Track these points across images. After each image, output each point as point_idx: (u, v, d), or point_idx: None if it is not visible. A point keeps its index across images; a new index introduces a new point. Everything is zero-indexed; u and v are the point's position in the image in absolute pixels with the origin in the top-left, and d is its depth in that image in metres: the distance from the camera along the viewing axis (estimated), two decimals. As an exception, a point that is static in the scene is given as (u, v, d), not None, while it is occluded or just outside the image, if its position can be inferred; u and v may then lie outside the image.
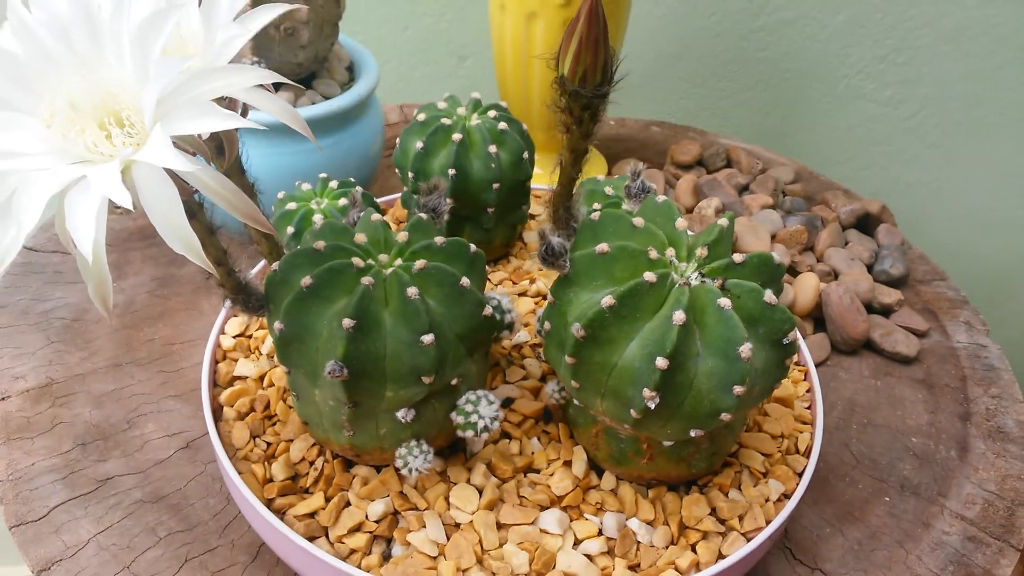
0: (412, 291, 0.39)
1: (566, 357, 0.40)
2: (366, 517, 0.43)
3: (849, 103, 1.10)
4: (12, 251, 0.28)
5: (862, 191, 1.10)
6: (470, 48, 1.02)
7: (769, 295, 0.38)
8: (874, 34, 1.04)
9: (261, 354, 0.52)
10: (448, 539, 0.42)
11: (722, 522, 0.44)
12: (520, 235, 0.62)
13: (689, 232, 0.42)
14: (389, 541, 0.43)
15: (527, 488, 0.45)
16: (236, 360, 0.52)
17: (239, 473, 0.44)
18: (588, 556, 0.42)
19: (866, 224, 0.77)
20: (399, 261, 0.41)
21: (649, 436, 0.42)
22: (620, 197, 0.53)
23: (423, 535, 0.42)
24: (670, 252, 0.40)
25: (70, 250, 0.30)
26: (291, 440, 0.47)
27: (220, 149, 0.38)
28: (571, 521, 0.43)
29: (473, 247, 0.43)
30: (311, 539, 0.42)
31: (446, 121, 0.54)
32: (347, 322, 0.38)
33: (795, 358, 0.55)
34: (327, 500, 0.44)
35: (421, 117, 0.56)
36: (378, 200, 0.60)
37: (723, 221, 0.42)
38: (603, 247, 0.40)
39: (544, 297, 0.57)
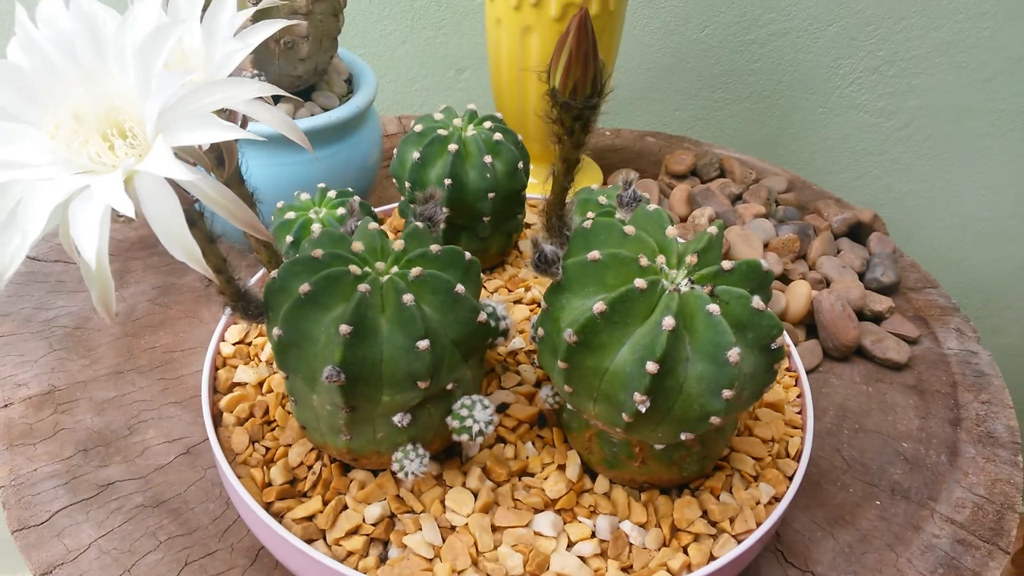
0: (408, 298, 0.40)
1: (559, 362, 0.41)
2: (363, 520, 0.44)
3: (842, 114, 1.11)
4: (17, 258, 0.29)
5: (856, 201, 1.12)
6: (467, 61, 1.03)
7: (757, 301, 0.39)
8: (866, 46, 1.05)
9: (260, 361, 0.53)
10: (444, 541, 0.43)
11: (713, 524, 0.45)
12: (516, 244, 0.63)
13: (680, 240, 0.43)
14: (386, 543, 0.44)
15: (521, 491, 0.45)
16: (236, 367, 0.53)
17: (238, 477, 0.45)
18: (581, 558, 0.43)
19: (858, 233, 0.78)
20: (395, 269, 0.42)
21: (641, 440, 0.43)
22: (613, 206, 0.54)
23: (419, 537, 0.43)
24: (661, 259, 0.41)
25: (74, 258, 0.31)
26: (289, 445, 0.48)
27: (220, 160, 0.39)
28: (565, 524, 0.44)
29: (468, 255, 0.44)
30: (309, 541, 0.42)
31: (442, 132, 0.55)
32: (344, 328, 0.38)
33: (786, 364, 0.56)
34: (325, 503, 0.45)
35: (418, 128, 0.57)
36: (376, 210, 0.61)
37: (712, 229, 0.43)
38: (595, 254, 0.41)
39: (539, 304, 0.58)
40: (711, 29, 1.04)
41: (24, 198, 0.29)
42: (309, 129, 0.61)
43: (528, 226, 0.66)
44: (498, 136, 0.56)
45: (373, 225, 0.44)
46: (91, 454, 0.53)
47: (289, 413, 0.49)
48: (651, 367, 0.37)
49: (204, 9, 0.35)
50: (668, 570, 0.42)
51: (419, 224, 0.45)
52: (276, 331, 0.40)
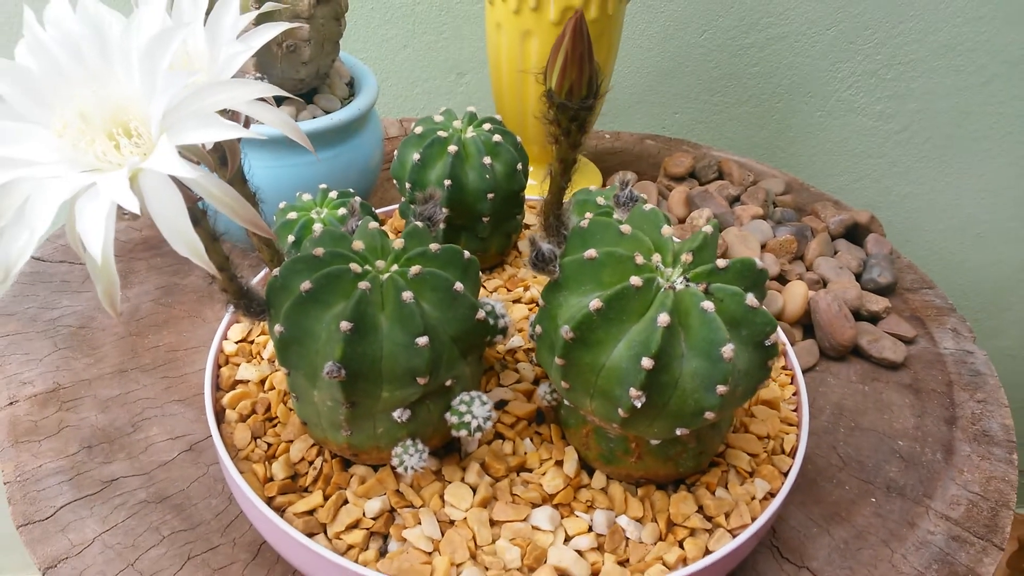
0: (407, 295, 0.40)
1: (556, 359, 0.41)
2: (363, 514, 0.44)
3: (841, 117, 1.12)
4: (25, 254, 0.29)
5: (856, 203, 1.12)
6: (468, 65, 1.04)
7: (751, 298, 0.40)
8: (864, 50, 1.06)
9: (262, 359, 0.54)
10: (443, 535, 0.43)
11: (709, 519, 0.46)
12: (515, 244, 0.64)
13: (675, 239, 0.43)
14: (385, 537, 0.44)
15: (520, 486, 0.46)
16: (238, 365, 0.53)
17: (240, 472, 0.45)
18: (578, 552, 0.43)
19: (855, 234, 0.79)
20: (395, 267, 0.43)
21: (637, 435, 0.44)
22: (611, 207, 0.55)
23: (418, 531, 0.43)
24: (656, 258, 0.42)
25: (79, 254, 0.32)
26: (291, 441, 0.48)
27: (223, 160, 0.40)
28: (562, 518, 0.45)
29: (467, 254, 0.44)
30: (310, 535, 0.43)
31: (442, 134, 0.56)
32: (345, 325, 0.39)
33: (782, 362, 0.57)
34: (326, 498, 0.45)
35: (418, 130, 0.58)
36: (377, 211, 0.62)
37: (707, 228, 0.43)
38: (591, 253, 0.41)
39: (537, 303, 0.59)
40: (710, 33, 1.04)
41: (31, 195, 0.29)
42: (311, 131, 0.62)
43: (527, 227, 0.67)
44: (497, 138, 0.57)
45: (373, 224, 0.45)
46: (95, 451, 0.54)
47: (291, 410, 0.50)
48: (646, 363, 0.38)
49: (208, 12, 0.36)
50: (664, 564, 0.43)
51: (419, 224, 0.46)
52: (278, 328, 0.41)
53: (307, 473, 0.47)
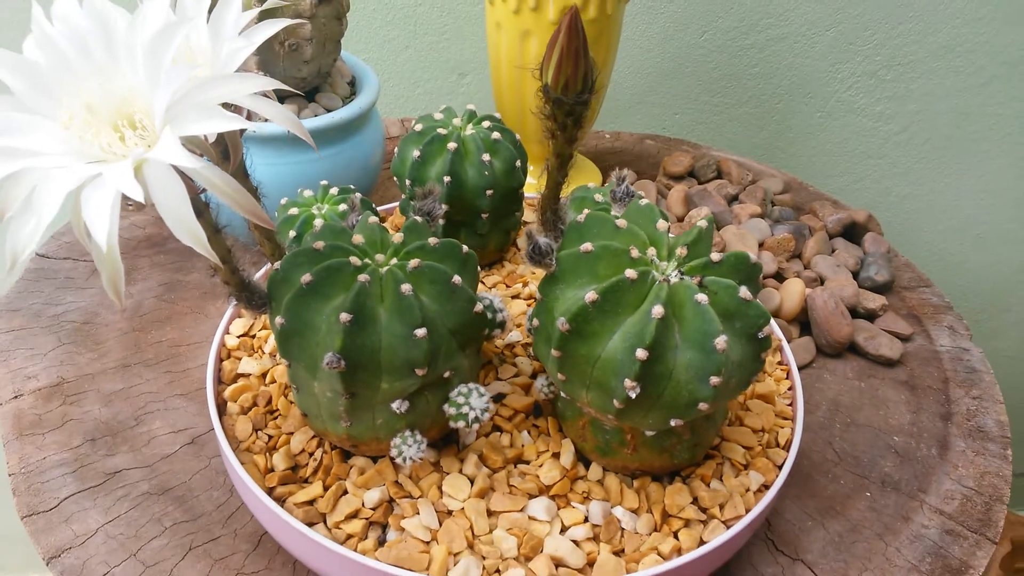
0: (406, 287, 0.41)
1: (553, 350, 0.42)
2: (362, 504, 0.45)
3: (840, 118, 1.13)
4: (32, 241, 0.30)
5: (856, 204, 1.13)
6: (469, 65, 1.05)
7: (744, 291, 0.41)
8: (863, 51, 1.07)
9: (264, 353, 0.55)
10: (440, 525, 0.44)
11: (703, 511, 0.46)
12: (514, 241, 0.65)
13: (671, 234, 0.44)
14: (384, 527, 0.45)
15: (517, 478, 0.47)
16: (240, 358, 0.54)
17: (242, 464, 0.46)
18: (574, 541, 0.44)
19: (853, 233, 0.80)
20: (394, 260, 0.43)
21: (632, 426, 0.44)
22: (608, 203, 0.56)
23: (417, 521, 0.44)
24: (651, 252, 0.43)
25: (84, 244, 0.32)
26: (291, 433, 0.49)
27: (225, 154, 0.40)
28: (558, 509, 0.45)
29: (465, 248, 0.45)
30: (310, 525, 0.44)
31: (442, 131, 0.57)
32: (344, 316, 0.40)
33: (777, 357, 0.57)
34: (325, 488, 0.46)
35: (418, 127, 0.58)
36: (378, 208, 0.62)
37: (702, 223, 0.44)
38: (587, 246, 0.42)
39: (536, 299, 0.59)
40: (710, 34, 1.05)
41: (38, 185, 0.30)
42: (312, 129, 0.63)
43: (526, 223, 0.67)
44: (496, 135, 0.57)
45: (373, 219, 0.46)
46: (98, 444, 0.55)
47: (291, 403, 0.51)
48: (641, 354, 0.39)
49: (211, 9, 0.37)
50: (659, 554, 0.44)
51: (418, 219, 0.46)
52: (279, 320, 0.42)
53: (307, 464, 0.48)
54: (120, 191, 0.29)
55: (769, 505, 0.46)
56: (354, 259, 0.42)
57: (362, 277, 0.41)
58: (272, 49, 0.63)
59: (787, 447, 0.50)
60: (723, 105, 1.11)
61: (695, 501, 0.47)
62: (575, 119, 0.40)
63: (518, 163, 0.58)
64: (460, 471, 0.47)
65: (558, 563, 0.43)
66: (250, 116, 0.41)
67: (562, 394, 0.47)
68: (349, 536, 0.44)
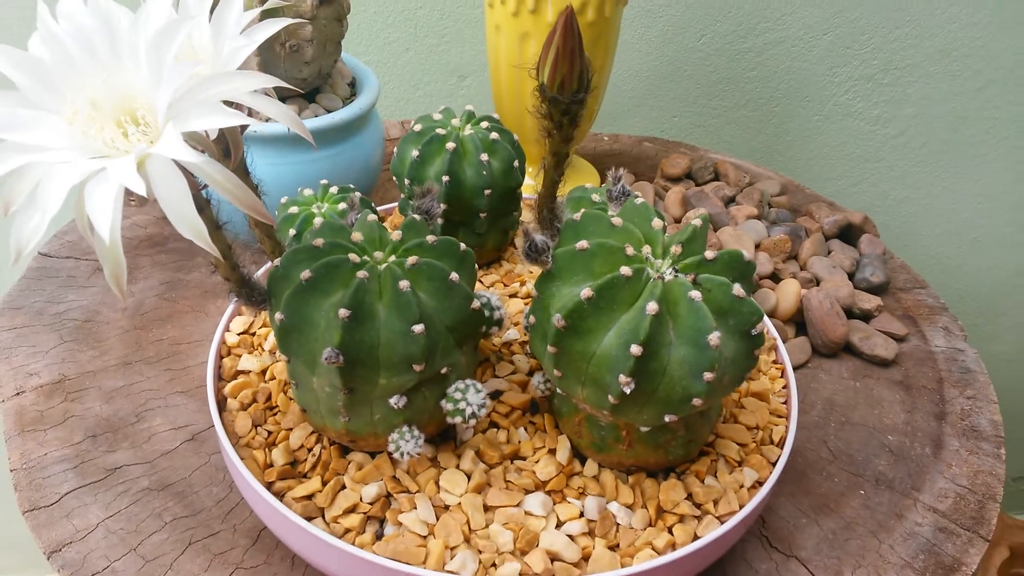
0: (404, 284, 0.41)
1: (549, 347, 0.43)
2: (360, 499, 0.45)
3: (838, 121, 1.13)
4: (37, 235, 0.31)
5: (853, 207, 1.13)
6: (469, 68, 1.06)
7: (737, 288, 0.41)
8: (861, 55, 1.07)
9: (263, 350, 0.55)
10: (437, 519, 0.44)
11: (698, 506, 0.47)
12: (512, 240, 0.65)
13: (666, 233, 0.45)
14: (382, 521, 0.45)
15: (513, 473, 0.47)
16: (240, 356, 0.54)
17: (241, 459, 0.46)
18: (570, 536, 0.44)
19: (849, 234, 0.80)
20: (393, 257, 0.44)
21: (627, 423, 0.45)
22: (605, 203, 0.56)
23: (414, 516, 0.44)
24: (646, 249, 0.43)
25: (87, 238, 0.33)
26: (291, 429, 0.49)
27: (227, 152, 0.41)
28: (554, 504, 0.46)
29: (463, 246, 0.46)
30: (308, 519, 0.44)
31: (441, 131, 0.57)
32: (343, 312, 0.40)
33: (772, 356, 0.58)
34: (324, 484, 0.46)
35: (417, 127, 0.59)
36: (378, 208, 0.63)
37: (697, 221, 0.45)
38: (583, 244, 0.43)
39: (533, 298, 0.60)
40: (708, 38, 1.06)
41: (43, 180, 0.31)
42: (313, 129, 0.63)
43: (523, 223, 0.68)
44: (494, 135, 0.58)
45: (372, 217, 0.46)
46: (99, 440, 0.55)
47: (291, 399, 0.51)
48: (635, 350, 0.39)
49: (212, 9, 0.37)
50: (653, 548, 0.44)
51: (416, 217, 0.47)
52: (278, 316, 0.42)
53: (306, 460, 0.48)
54: (123, 185, 0.30)
55: (763, 501, 0.46)
56: (353, 256, 0.43)
57: (361, 274, 0.41)
58: (273, 50, 0.64)
59: (781, 444, 0.51)
60: (721, 108, 1.12)
61: (689, 497, 0.47)
62: (571, 118, 0.41)
63: (516, 163, 0.59)
64: (457, 467, 0.47)
65: (554, 557, 0.43)
66: (251, 114, 0.42)
67: (558, 391, 0.48)
68: (347, 530, 0.44)
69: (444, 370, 0.45)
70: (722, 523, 0.45)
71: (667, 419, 0.42)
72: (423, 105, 1.08)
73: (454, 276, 0.43)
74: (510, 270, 0.64)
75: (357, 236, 0.45)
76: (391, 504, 0.46)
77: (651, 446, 0.46)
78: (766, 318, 0.61)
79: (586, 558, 0.44)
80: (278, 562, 0.48)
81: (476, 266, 0.48)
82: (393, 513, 0.45)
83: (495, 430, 0.49)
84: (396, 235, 0.45)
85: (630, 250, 0.42)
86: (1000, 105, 1.12)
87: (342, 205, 0.55)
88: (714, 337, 0.39)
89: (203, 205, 0.38)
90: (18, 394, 0.58)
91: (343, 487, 0.46)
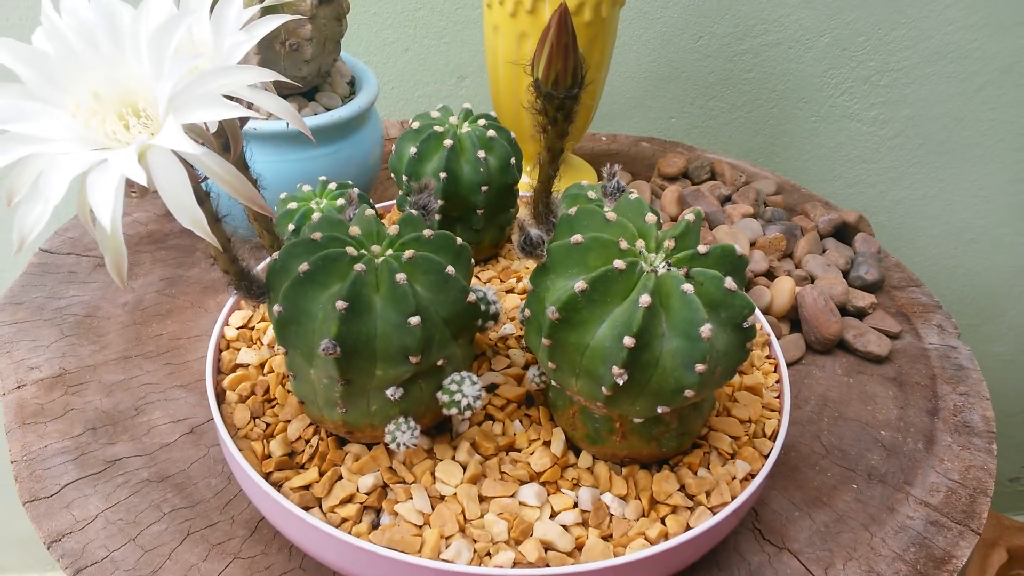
0: (400, 276, 0.42)
1: (543, 339, 0.43)
2: (357, 489, 0.46)
3: (835, 122, 1.14)
4: (39, 224, 0.31)
5: (850, 208, 1.14)
6: (468, 69, 1.07)
7: (729, 282, 0.42)
8: (857, 56, 1.08)
9: (262, 344, 0.56)
10: (433, 509, 0.45)
11: (690, 497, 0.47)
12: (508, 237, 0.66)
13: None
14: (378, 511, 0.46)
15: (508, 465, 0.48)
16: (239, 349, 0.55)
17: (239, 450, 0.47)
18: (564, 526, 0.45)
19: (844, 233, 0.81)
20: (390, 251, 0.45)
21: (621, 414, 0.45)
22: (602, 200, 0.57)
23: (410, 505, 0.45)
24: (640, 243, 0.44)
25: (88, 228, 0.34)
26: (288, 421, 0.50)
27: (226, 146, 0.42)
28: (548, 495, 0.46)
29: (459, 240, 0.46)
30: (306, 509, 0.45)
31: (438, 128, 0.58)
32: (340, 304, 0.41)
33: (766, 351, 0.58)
34: (321, 474, 0.47)
35: (415, 125, 0.60)
36: (376, 205, 0.64)
37: (690, 216, 0.45)
38: (577, 238, 0.43)
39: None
40: (705, 39, 1.06)
41: (45, 170, 0.31)
42: (312, 127, 0.64)
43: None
44: (491, 133, 0.58)
45: (370, 212, 0.47)
46: (99, 432, 0.56)
47: (289, 391, 0.52)
48: (628, 341, 0.40)
49: (213, 6, 0.38)
50: (646, 538, 0.45)
51: (413, 212, 0.48)
52: (276, 308, 0.43)
53: (303, 451, 0.49)
54: (124, 175, 0.30)
55: (755, 493, 0.47)
56: (350, 249, 0.43)
57: (358, 267, 0.42)
58: (273, 49, 0.65)
59: (773, 437, 0.51)
60: (719, 109, 1.13)
61: (682, 488, 0.48)
62: (565, 113, 0.41)
63: (513, 160, 0.59)
64: (453, 458, 0.48)
65: (547, 547, 0.44)
66: (251, 109, 0.42)
67: (553, 383, 0.48)
68: (344, 520, 0.45)
69: (440, 362, 0.45)
70: (714, 514, 0.46)
71: (660, 411, 0.43)
72: (422, 105, 1.09)
73: (450, 269, 0.44)
74: (507, 266, 0.64)
75: (355, 230, 0.45)
76: (387, 494, 0.47)
77: (644, 438, 0.47)
78: (759, 313, 0.62)
79: (579, 548, 0.44)
80: (275, 552, 0.49)
81: (472, 261, 0.48)
82: (389, 503, 0.46)
83: (491, 422, 0.50)
84: (393, 229, 0.46)
85: (624, 244, 0.43)
86: (996, 107, 1.12)
87: (340, 201, 0.55)
88: (706, 329, 0.40)
89: (203, 197, 0.39)
90: (19, 387, 0.59)
91: (340, 478, 0.47)
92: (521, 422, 0.50)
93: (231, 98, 0.36)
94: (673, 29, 1.06)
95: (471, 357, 0.50)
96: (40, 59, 0.33)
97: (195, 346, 0.64)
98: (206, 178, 0.38)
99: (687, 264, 0.43)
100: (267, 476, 0.47)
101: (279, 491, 0.46)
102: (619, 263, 0.41)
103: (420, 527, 0.44)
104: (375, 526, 0.45)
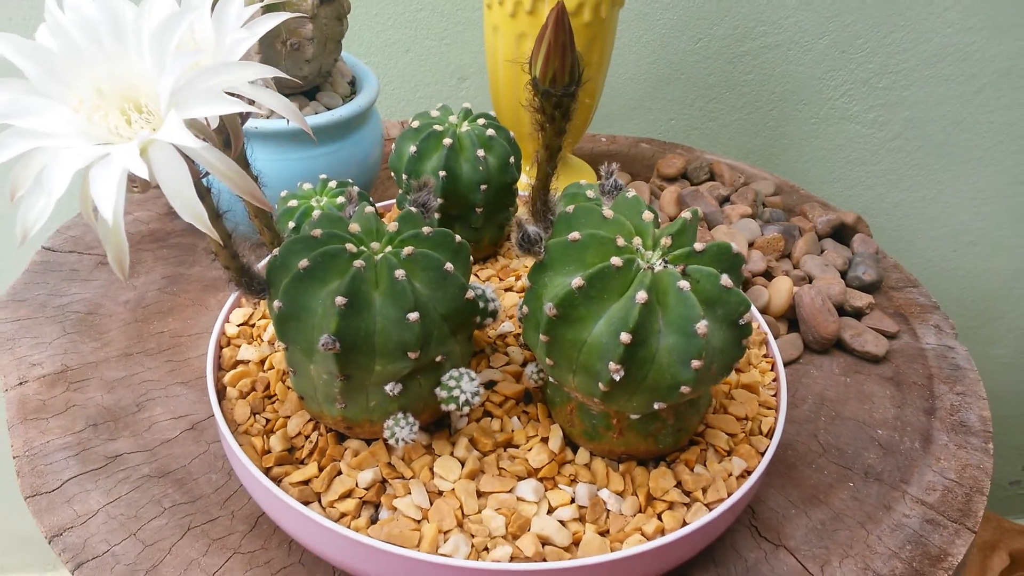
0: (399, 273, 0.42)
1: (541, 336, 0.43)
2: (356, 485, 0.46)
3: (834, 124, 1.14)
4: (43, 217, 0.32)
5: (849, 210, 1.14)
6: (469, 70, 1.07)
7: (725, 279, 0.42)
8: (856, 58, 1.08)
9: (263, 341, 0.56)
10: (431, 504, 0.45)
11: (687, 494, 0.48)
12: (508, 235, 0.66)
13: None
14: (377, 506, 0.46)
15: (506, 461, 0.48)
16: (239, 346, 0.55)
17: (240, 445, 0.47)
18: (561, 522, 0.45)
19: (842, 234, 0.81)
20: (389, 248, 0.45)
21: (618, 410, 0.46)
22: (600, 200, 0.57)
23: (408, 501, 0.45)
24: (637, 241, 0.44)
25: (90, 222, 0.34)
26: (288, 416, 0.50)
27: (227, 143, 0.42)
28: (546, 491, 0.47)
29: (458, 237, 0.47)
30: (305, 503, 0.45)
31: (438, 127, 0.59)
32: (340, 300, 0.41)
33: (763, 350, 0.59)
34: (320, 469, 0.47)
35: (415, 124, 0.60)
36: (377, 204, 0.64)
37: (686, 214, 0.46)
38: (575, 235, 0.44)
39: (529, 293, 0.61)
40: (705, 41, 1.07)
41: (48, 164, 0.32)
42: (313, 126, 0.64)
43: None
44: (491, 132, 0.59)
45: (369, 209, 0.47)
46: (100, 428, 0.56)
47: (288, 388, 0.52)
48: (624, 337, 0.40)
49: (214, 5, 0.39)
50: (642, 534, 0.45)
51: (413, 209, 0.48)
52: (277, 303, 0.43)
53: (303, 446, 0.49)
54: (126, 169, 0.31)
55: (751, 489, 0.47)
56: (350, 246, 0.44)
57: (357, 263, 0.42)
58: (274, 48, 0.65)
59: (770, 435, 0.52)
60: (718, 111, 1.13)
61: (679, 485, 0.48)
62: (563, 111, 0.42)
63: (512, 159, 0.60)
64: (451, 454, 0.48)
65: (544, 541, 0.44)
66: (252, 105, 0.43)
67: (551, 380, 0.49)
68: (343, 514, 0.45)
69: (439, 358, 0.46)
70: (710, 510, 0.46)
71: (656, 407, 0.43)
72: (423, 106, 1.09)
73: (449, 266, 0.44)
74: (506, 265, 0.65)
75: (354, 227, 0.46)
76: (386, 489, 0.47)
77: (641, 434, 0.47)
78: (757, 313, 0.62)
79: (576, 543, 0.44)
80: (275, 547, 0.49)
81: (471, 259, 0.49)
82: (388, 498, 0.46)
83: (489, 419, 0.50)
84: (393, 226, 0.46)
85: (621, 241, 0.43)
86: (995, 109, 1.13)
87: (340, 199, 0.56)
88: (702, 325, 0.40)
89: (204, 193, 0.39)
90: (21, 384, 0.59)
91: (339, 473, 0.47)
92: (519, 419, 0.51)
93: (232, 95, 0.37)
94: (673, 31, 1.06)
95: (470, 354, 0.50)
96: (44, 55, 0.33)
97: (196, 343, 0.65)
98: (207, 174, 0.38)
99: (683, 261, 0.43)
100: (267, 471, 0.47)
101: (279, 486, 0.46)
102: (616, 260, 0.42)
103: (418, 522, 0.45)
104: (374, 521, 0.46)
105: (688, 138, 1.15)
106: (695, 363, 0.41)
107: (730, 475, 0.49)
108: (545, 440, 0.49)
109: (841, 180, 1.20)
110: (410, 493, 0.46)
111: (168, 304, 0.68)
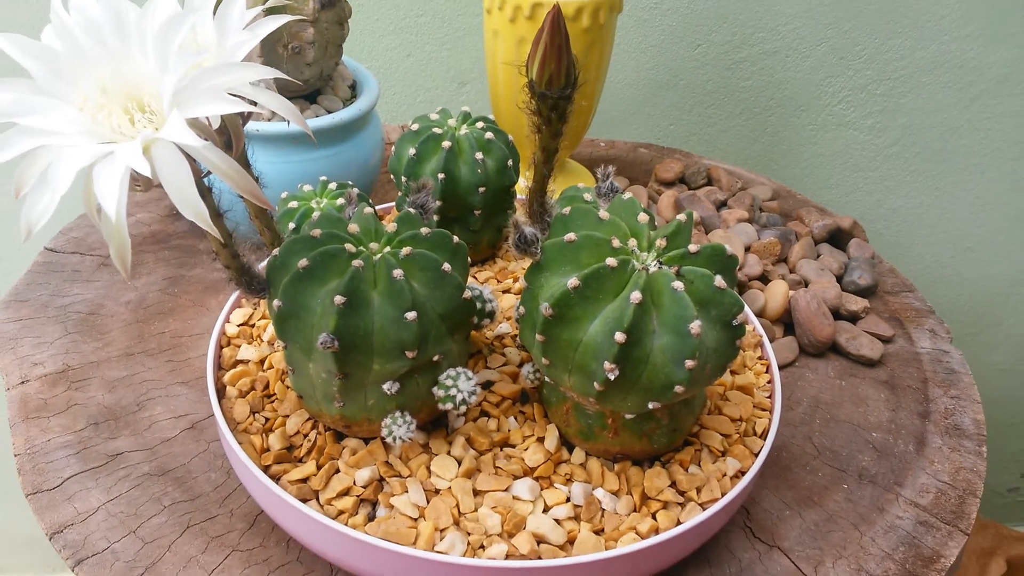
0: (398, 272, 0.43)
1: (537, 335, 0.44)
2: (354, 482, 0.47)
3: (832, 131, 1.15)
4: (47, 213, 0.32)
5: (847, 216, 1.15)
6: (469, 75, 1.08)
7: (719, 280, 0.43)
8: (854, 65, 1.09)
9: (262, 341, 0.57)
10: (428, 502, 0.46)
11: (681, 493, 0.48)
12: (506, 237, 0.67)
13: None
14: (374, 504, 0.47)
15: (502, 460, 0.48)
16: (239, 346, 0.56)
17: (239, 443, 0.48)
18: (556, 520, 0.46)
19: (838, 239, 0.82)
20: (388, 248, 0.46)
21: (613, 410, 0.46)
22: (597, 203, 0.58)
23: (405, 499, 0.46)
24: (632, 242, 0.45)
25: (93, 219, 0.35)
26: (287, 415, 0.51)
27: (228, 144, 0.43)
28: (542, 489, 0.47)
29: (456, 238, 0.47)
30: (303, 501, 0.45)
31: (437, 130, 0.59)
32: (338, 299, 0.42)
33: (758, 352, 0.59)
34: (318, 467, 0.48)
35: (414, 127, 0.61)
36: (377, 207, 0.65)
37: (681, 216, 0.46)
38: (571, 236, 0.44)
39: (526, 295, 0.61)
40: (704, 47, 1.08)
41: (53, 162, 0.32)
42: (314, 128, 0.65)
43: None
44: (489, 135, 0.60)
45: (368, 210, 0.48)
46: (101, 427, 0.57)
47: (288, 387, 0.53)
48: (619, 337, 0.41)
49: (216, 7, 0.39)
50: (637, 533, 0.45)
51: (411, 211, 0.49)
52: (276, 302, 0.44)
53: (302, 445, 0.50)
54: (129, 166, 0.31)
55: (745, 489, 0.48)
56: (349, 246, 0.44)
57: (356, 262, 0.43)
58: (276, 52, 0.66)
59: (764, 436, 0.52)
60: (716, 117, 1.14)
61: (673, 484, 0.48)
62: (559, 114, 0.42)
63: (510, 162, 0.60)
64: (448, 453, 0.48)
65: (540, 540, 0.45)
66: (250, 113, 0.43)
67: (547, 380, 0.49)
68: (340, 512, 0.46)
69: (436, 357, 0.46)
70: (704, 510, 0.46)
71: (651, 406, 0.44)
72: (423, 110, 1.10)
73: (446, 266, 0.45)
74: (504, 267, 0.65)
75: (354, 228, 0.46)
76: (383, 488, 0.47)
77: (636, 434, 0.48)
78: (751, 315, 0.63)
79: (571, 541, 0.45)
80: (273, 545, 0.50)
81: (469, 260, 0.49)
82: (385, 496, 0.46)
83: (486, 418, 0.51)
84: (391, 227, 0.47)
85: (616, 242, 0.44)
86: (992, 116, 1.14)
87: (340, 200, 0.56)
88: (695, 326, 0.41)
89: (205, 192, 0.40)
90: (23, 383, 0.60)
91: (337, 471, 0.48)
92: (516, 418, 0.51)
93: (234, 95, 0.38)
94: (672, 37, 1.07)
95: (467, 354, 0.51)
96: (49, 55, 0.34)
97: (196, 344, 0.65)
98: (208, 173, 0.39)
99: (678, 263, 0.44)
100: (266, 469, 0.48)
101: (277, 484, 0.46)
102: (611, 261, 0.42)
103: (415, 520, 0.45)
104: (371, 518, 0.46)
105: (686, 143, 1.16)
106: (689, 363, 0.41)
107: (724, 475, 0.49)
108: (541, 440, 0.50)
109: (839, 186, 1.21)
110: (407, 491, 0.46)
111: (169, 305, 0.69)
